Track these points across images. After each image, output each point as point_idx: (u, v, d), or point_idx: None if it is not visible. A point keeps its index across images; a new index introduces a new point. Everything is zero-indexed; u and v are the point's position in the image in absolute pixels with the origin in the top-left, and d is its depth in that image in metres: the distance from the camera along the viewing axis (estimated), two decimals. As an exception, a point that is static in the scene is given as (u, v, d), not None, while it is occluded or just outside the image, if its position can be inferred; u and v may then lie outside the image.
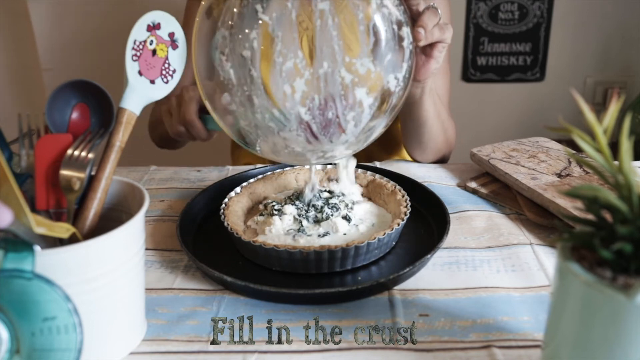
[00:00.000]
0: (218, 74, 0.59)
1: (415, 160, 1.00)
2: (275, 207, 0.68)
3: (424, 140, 0.92)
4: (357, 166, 0.81)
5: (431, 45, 0.68)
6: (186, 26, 1.08)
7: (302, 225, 0.66)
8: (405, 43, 0.60)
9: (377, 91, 0.59)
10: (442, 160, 1.00)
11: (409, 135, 0.94)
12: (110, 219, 0.53)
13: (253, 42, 0.57)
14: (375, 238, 0.59)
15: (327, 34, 0.56)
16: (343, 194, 0.71)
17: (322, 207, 0.67)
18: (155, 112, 1.09)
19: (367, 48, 0.57)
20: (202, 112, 0.78)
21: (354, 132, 0.61)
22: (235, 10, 0.58)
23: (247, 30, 0.57)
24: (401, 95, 0.62)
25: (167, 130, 1.00)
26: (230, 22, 0.58)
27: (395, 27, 0.59)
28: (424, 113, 0.86)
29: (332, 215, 0.66)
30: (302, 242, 0.63)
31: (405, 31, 0.60)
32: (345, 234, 0.65)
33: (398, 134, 1.09)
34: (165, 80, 0.58)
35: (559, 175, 0.75)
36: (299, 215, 0.67)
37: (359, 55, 0.57)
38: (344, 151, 0.64)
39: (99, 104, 0.54)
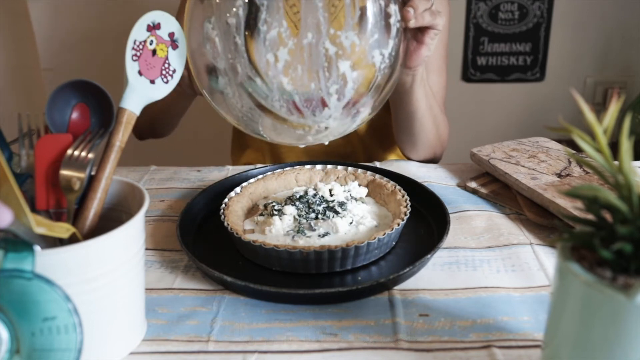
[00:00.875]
0: (205, 43, 0.59)
1: (407, 158, 1.00)
2: (276, 207, 0.68)
3: (414, 133, 0.92)
4: (357, 166, 0.81)
5: (422, 31, 0.68)
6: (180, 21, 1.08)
7: (301, 226, 0.66)
8: (392, 20, 0.60)
9: (362, 66, 0.59)
10: (434, 160, 0.99)
11: (400, 128, 0.93)
12: (110, 219, 0.53)
13: (239, 9, 0.57)
14: (375, 238, 0.59)
15: (313, 5, 0.56)
16: (351, 196, 0.71)
17: (324, 212, 0.67)
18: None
19: (352, 21, 0.57)
20: None
21: (337, 107, 0.60)
22: None
23: None
24: (387, 74, 0.62)
25: (157, 105, 0.99)
26: None
27: (382, 2, 0.59)
28: (414, 103, 0.86)
29: (332, 217, 0.66)
30: (302, 242, 0.63)
31: (393, 8, 0.60)
32: (345, 234, 0.65)
33: None
34: (165, 80, 0.58)
35: (559, 175, 0.75)
36: (299, 215, 0.67)
37: (344, 27, 0.57)
38: (336, 127, 0.63)
39: (99, 104, 0.54)
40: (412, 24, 0.63)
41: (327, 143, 0.66)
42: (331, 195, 0.71)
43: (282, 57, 0.57)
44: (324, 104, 0.59)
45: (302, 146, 0.67)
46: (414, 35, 0.69)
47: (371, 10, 0.58)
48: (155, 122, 1.06)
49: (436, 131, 0.94)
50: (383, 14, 0.59)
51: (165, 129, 1.10)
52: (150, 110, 1.03)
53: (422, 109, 0.87)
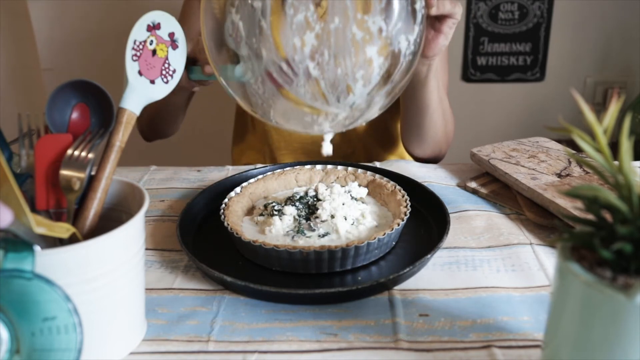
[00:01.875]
0: (227, 29, 0.58)
1: (411, 155, 0.99)
2: (276, 208, 0.68)
3: (424, 127, 0.91)
4: (357, 166, 0.81)
5: (440, 20, 0.68)
6: (183, 24, 1.08)
7: (301, 226, 0.66)
8: (417, 6, 0.59)
9: (388, 51, 0.58)
10: (437, 157, 0.99)
11: (410, 123, 0.93)
12: (110, 219, 0.53)
13: None
14: (375, 238, 0.59)
15: None
16: (351, 196, 0.71)
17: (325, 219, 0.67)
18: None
19: (379, 6, 0.57)
20: (192, 63, 0.77)
21: (362, 93, 0.59)
22: None
23: None
24: (411, 61, 0.61)
25: (157, 103, 0.98)
26: None
27: None
28: (427, 95, 0.85)
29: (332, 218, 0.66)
30: (302, 242, 0.63)
31: None
32: (345, 234, 0.64)
33: (398, 132, 1.09)
34: (165, 80, 0.58)
35: (559, 175, 0.75)
36: (299, 216, 0.67)
37: (371, 12, 0.56)
38: (351, 115, 0.62)
39: (99, 104, 0.54)
40: (434, 11, 0.64)
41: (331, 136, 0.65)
42: (318, 199, 0.70)
43: (309, 41, 0.55)
44: (349, 90, 0.59)
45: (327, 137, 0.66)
46: (432, 24, 0.69)
47: None
48: (155, 120, 1.06)
49: (444, 126, 0.94)
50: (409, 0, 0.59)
51: (166, 126, 1.10)
52: (149, 109, 1.03)
53: (434, 101, 0.87)
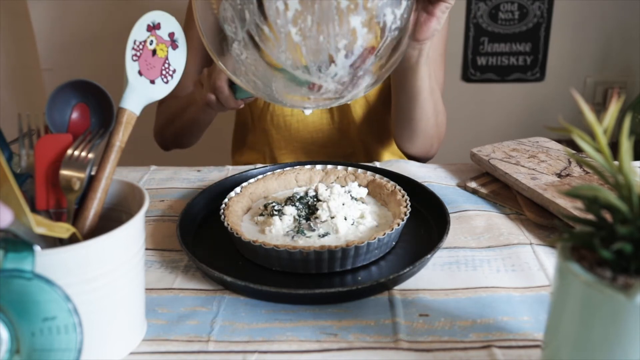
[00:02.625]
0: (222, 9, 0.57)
1: (403, 151, 0.98)
2: (276, 208, 0.68)
3: (414, 118, 0.90)
4: (357, 166, 0.81)
5: (434, 4, 0.68)
6: (190, 23, 1.08)
7: (301, 227, 0.66)
8: None
9: (373, 23, 0.58)
10: (428, 154, 0.99)
11: (401, 113, 0.92)
12: (110, 219, 0.53)
13: None
14: (375, 238, 0.59)
15: None
16: (351, 196, 0.71)
17: (324, 220, 0.67)
18: (163, 112, 1.09)
19: None
20: (232, 82, 0.80)
21: (344, 64, 0.58)
22: None
23: None
24: (396, 38, 0.60)
25: (184, 120, 0.99)
26: None
27: None
28: (418, 82, 0.85)
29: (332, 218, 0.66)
30: (302, 242, 0.63)
31: None
32: (345, 234, 0.64)
33: None
34: (165, 80, 0.58)
35: (559, 175, 0.75)
36: (299, 216, 0.67)
37: None
38: (334, 89, 0.62)
39: (99, 104, 0.54)
40: None
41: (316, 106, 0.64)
42: (318, 199, 0.70)
43: (293, 5, 0.55)
44: (331, 60, 0.58)
45: (307, 112, 0.65)
46: (425, 7, 0.68)
47: None
48: (185, 135, 1.08)
49: (435, 119, 0.93)
50: None
51: (193, 140, 1.12)
52: (179, 124, 1.04)
53: (425, 89, 0.86)
